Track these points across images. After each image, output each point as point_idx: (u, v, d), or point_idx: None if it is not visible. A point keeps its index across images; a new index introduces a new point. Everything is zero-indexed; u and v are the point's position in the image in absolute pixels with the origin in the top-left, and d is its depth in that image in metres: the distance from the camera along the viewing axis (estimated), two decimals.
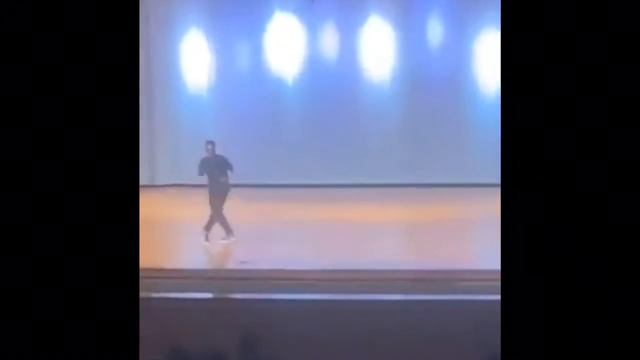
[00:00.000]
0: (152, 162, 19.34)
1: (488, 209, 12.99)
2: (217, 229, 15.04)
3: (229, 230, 15.08)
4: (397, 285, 11.92)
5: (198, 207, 15.49)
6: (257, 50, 19.23)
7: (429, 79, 18.65)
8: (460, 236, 14.87)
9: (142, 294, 11.28)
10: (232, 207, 15.15)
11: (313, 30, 19.09)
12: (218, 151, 15.31)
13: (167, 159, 19.37)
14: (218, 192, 15.24)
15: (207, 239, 15.09)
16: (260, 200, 17.26)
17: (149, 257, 13.45)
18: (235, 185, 15.39)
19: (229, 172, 15.26)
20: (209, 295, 12.58)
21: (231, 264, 14.00)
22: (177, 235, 16.15)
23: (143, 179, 18.90)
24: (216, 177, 15.20)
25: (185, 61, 19.50)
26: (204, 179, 15.30)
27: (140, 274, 12.17)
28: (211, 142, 15.44)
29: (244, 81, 19.26)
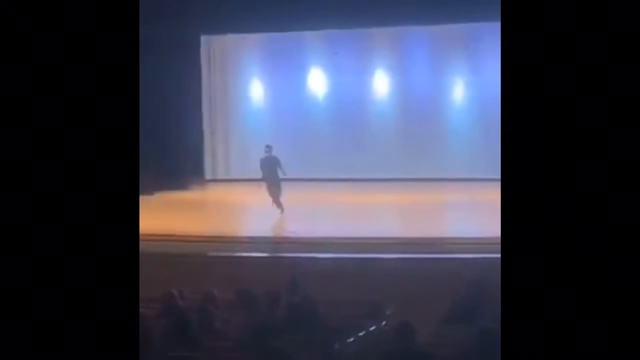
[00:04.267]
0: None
1: None
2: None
3: (280, 208, 14.94)
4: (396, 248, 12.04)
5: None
6: (297, 82, 19.48)
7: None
8: None
9: (215, 253, 11.57)
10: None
11: (336, 70, 19.38)
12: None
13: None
14: (274, 183, 14.90)
15: (281, 210, 14.93)
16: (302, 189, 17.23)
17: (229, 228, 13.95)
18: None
19: (279, 169, 14.89)
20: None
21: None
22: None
23: (220, 174, 19.53)
24: (273, 172, 14.84)
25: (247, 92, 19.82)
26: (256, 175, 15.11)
27: (218, 239, 12.46)
28: (269, 146, 15.12)
29: (289, 104, 19.48)
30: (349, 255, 11.84)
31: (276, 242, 12.91)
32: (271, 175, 14.97)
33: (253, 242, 13.12)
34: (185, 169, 19.06)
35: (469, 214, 13.48)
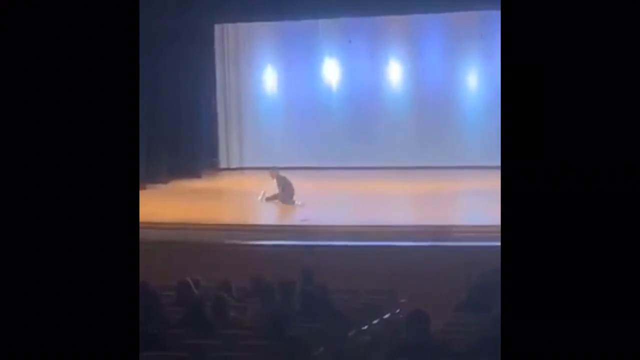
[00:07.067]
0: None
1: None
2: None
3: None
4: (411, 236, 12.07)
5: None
6: (311, 70, 19.44)
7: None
8: None
9: (230, 242, 11.74)
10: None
11: (350, 58, 19.31)
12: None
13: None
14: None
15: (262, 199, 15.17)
16: (315, 178, 17.28)
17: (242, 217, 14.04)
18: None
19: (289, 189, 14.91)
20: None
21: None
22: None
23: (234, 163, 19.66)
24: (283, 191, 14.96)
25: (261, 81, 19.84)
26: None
27: (232, 228, 12.60)
28: (275, 169, 15.29)
29: (303, 92, 19.43)
30: (362, 243, 11.86)
31: (290, 231, 12.89)
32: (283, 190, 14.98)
33: (267, 230, 13.16)
34: (199, 158, 19.05)
35: (484, 201, 13.46)
